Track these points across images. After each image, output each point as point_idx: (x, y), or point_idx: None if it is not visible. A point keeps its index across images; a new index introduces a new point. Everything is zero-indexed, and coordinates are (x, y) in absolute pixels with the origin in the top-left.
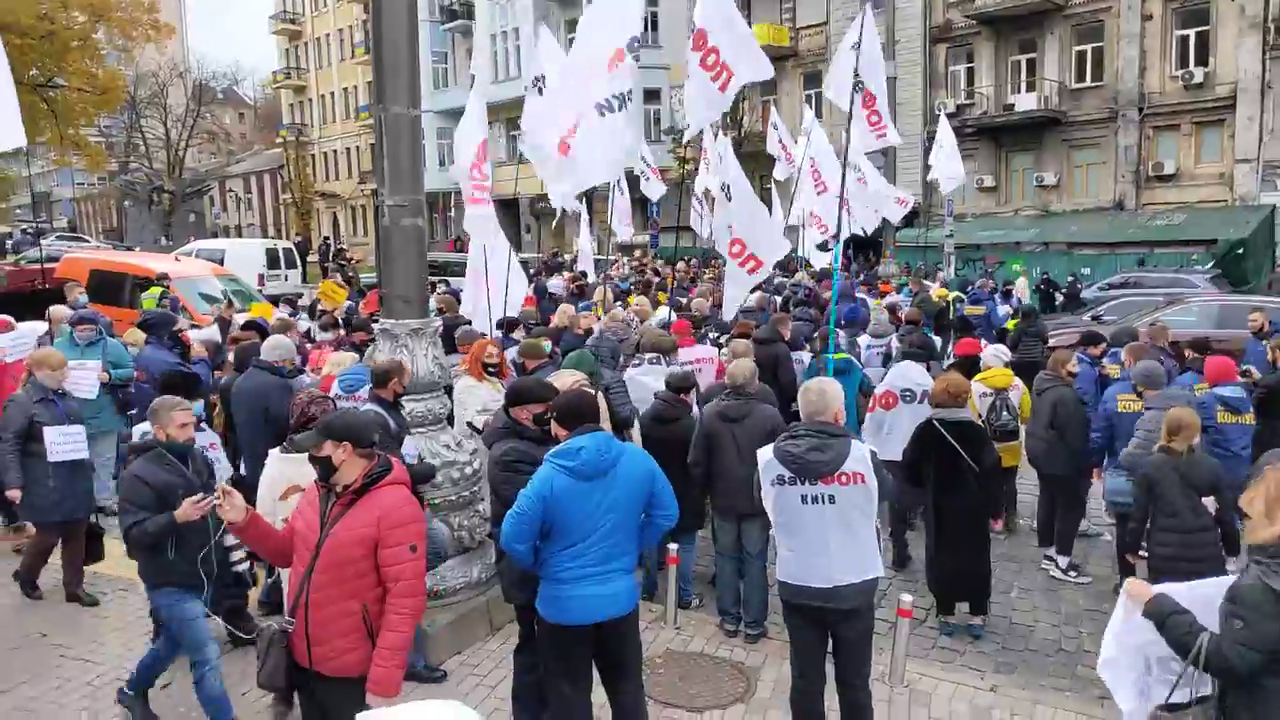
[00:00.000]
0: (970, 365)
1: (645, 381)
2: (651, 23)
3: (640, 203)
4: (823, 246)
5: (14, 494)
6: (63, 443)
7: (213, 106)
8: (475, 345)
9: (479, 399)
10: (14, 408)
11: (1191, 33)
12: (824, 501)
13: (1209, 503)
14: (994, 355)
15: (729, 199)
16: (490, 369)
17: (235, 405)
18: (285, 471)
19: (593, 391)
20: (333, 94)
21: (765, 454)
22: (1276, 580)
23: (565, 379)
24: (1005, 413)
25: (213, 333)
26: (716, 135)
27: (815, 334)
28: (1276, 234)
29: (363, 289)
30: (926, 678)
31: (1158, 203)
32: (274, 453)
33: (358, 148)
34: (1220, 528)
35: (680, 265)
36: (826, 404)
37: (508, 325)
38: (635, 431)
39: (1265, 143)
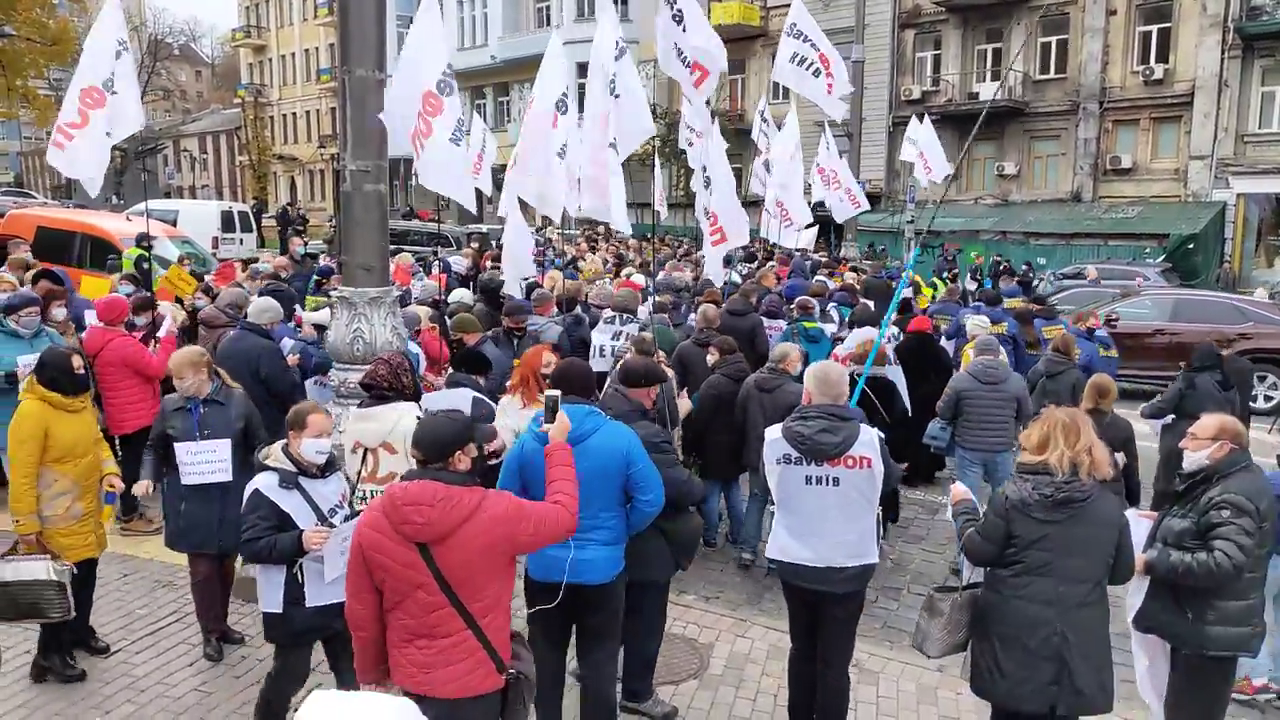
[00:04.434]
0: (922, 340)
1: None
2: None
3: None
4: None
5: (143, 485)
6: (193, 462)
7: (168, 63)
8: (530, 355)
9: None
10: (159, 413)
11: (1154, 29)
12: (827, 483)
13: (1119, 457)
14: (977, 325)
15: (709, 181)
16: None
17: (227, 368)
18: (354, 429)
19: (655, 360)
20: (293, 54)
21: (773, 433)
22: (1011, 488)
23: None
24: None
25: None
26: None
27: (790, 305)
28: (1226, 230)
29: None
30: (875, 657)
31: (1114, 196)
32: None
33: (318, 110)
34: (1125, 480)
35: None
36: (842, 389)
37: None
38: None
39: (1219, 140)
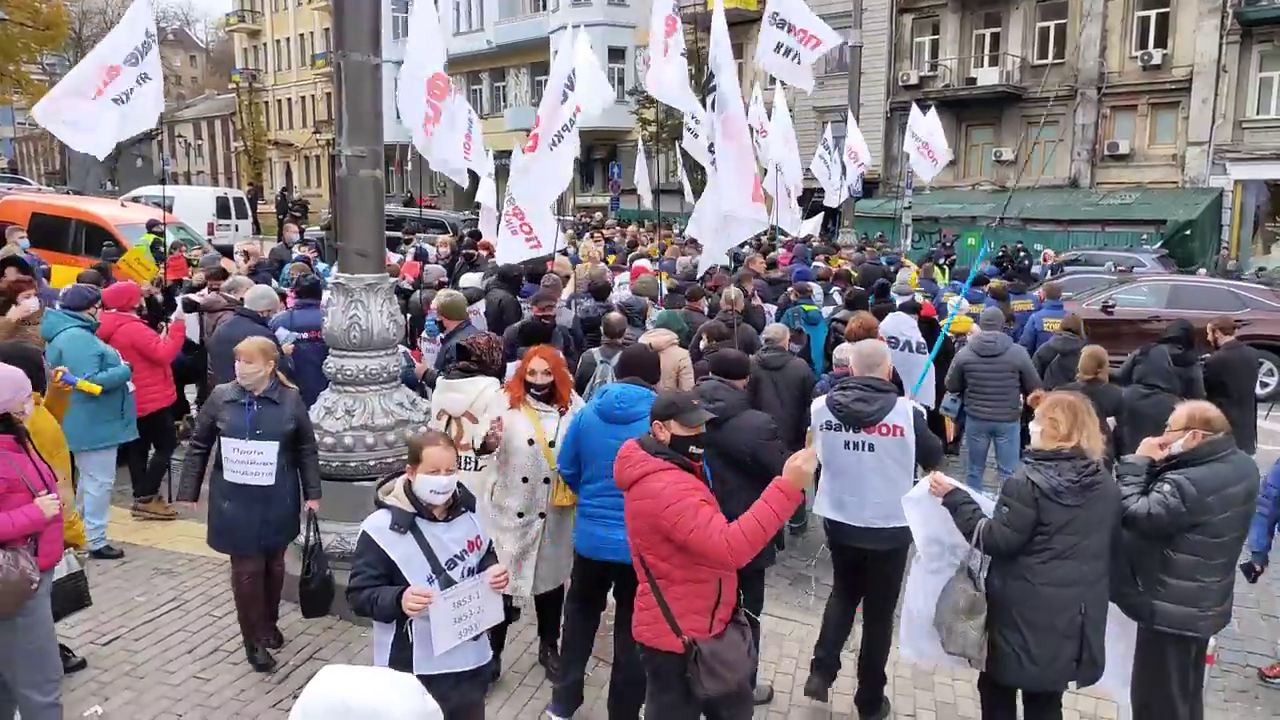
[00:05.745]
0: (930, 324)
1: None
2: None
3: (601, 163)
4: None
5: (187, 506)
6: (238, 460)
7: (162, 48)
8: (524, 358)
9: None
10: (207, 403)
11: (1152, 14)
12: (864, 449)
13: (1110, 422)
14: (953, 305)
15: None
16: (536, 391)
17: (219, 353)
18: (440, 399)
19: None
20: (288, 40)
21: (819, 402)
22: (1037, 476)
23: (657, 338)
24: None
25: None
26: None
27: (786, 291)
28: (1223, 216)
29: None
30: None
31: (1111, 182)
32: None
33: (313, 96)
34: (1115, 444)
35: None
36: (879, 361)
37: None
38: None
39: (1217, 126)
